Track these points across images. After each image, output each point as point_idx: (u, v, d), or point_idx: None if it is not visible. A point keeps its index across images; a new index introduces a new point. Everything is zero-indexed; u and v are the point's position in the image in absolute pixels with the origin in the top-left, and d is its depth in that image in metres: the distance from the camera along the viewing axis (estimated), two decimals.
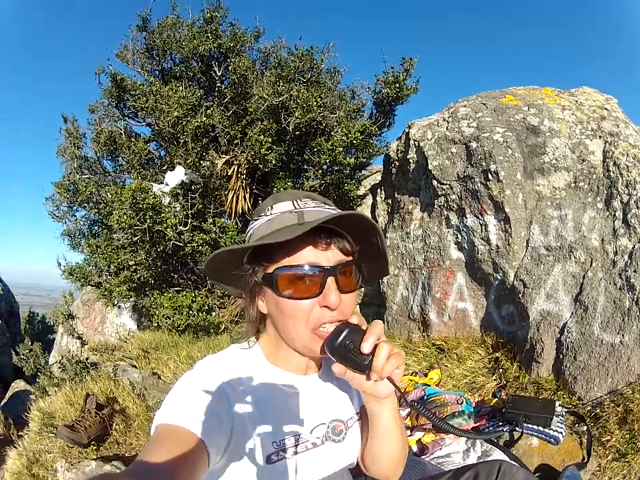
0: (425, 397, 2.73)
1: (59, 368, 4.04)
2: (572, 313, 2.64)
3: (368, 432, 1.25)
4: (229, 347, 1.21)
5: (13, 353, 6.63)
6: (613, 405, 2.35)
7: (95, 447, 2.94)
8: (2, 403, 5.94)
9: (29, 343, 5.97)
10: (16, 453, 3.17)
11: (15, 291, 12.10)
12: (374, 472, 1.31)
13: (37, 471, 2.89)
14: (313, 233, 1.01)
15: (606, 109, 3.16)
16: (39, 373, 4.42)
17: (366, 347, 1.01)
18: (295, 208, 1.09)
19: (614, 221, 2.65)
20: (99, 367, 3.99)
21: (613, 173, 2.73)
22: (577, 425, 2.39)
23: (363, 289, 4.14)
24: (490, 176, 2.97)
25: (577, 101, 3.24)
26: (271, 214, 1.10)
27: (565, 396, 2.56)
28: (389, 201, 3.99)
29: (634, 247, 2.51)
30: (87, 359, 4.23)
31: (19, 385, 6.42)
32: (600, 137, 2.96)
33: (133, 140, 5.14)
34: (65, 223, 5.62)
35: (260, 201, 5.09)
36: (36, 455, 3.02)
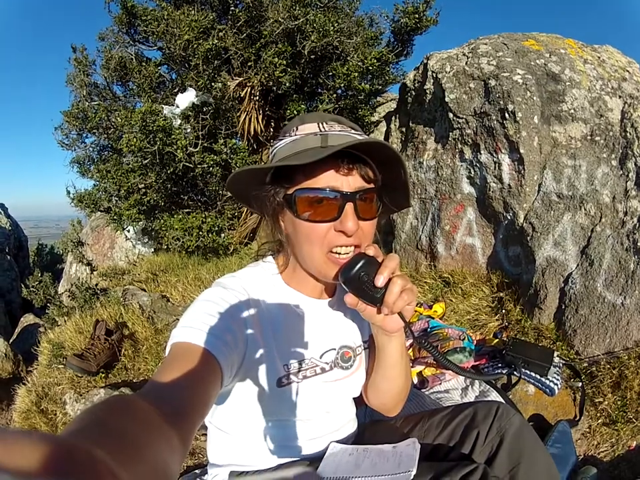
0: (429, 329, 2.78)
1: (69, 297, 4.02)
2: (577, 265, 2.65)
3: (374, 363, 1.27)
4: (245, 266, 1.22)
5: (23, 286, 6.45)
6: (609, 366, 2.38)
7: (103, 375, 2.94)
8: (11, 340, 5.73)
9: (39, 274, 5.90)
10: (25, 389, 3.10)
11: (23, 225, 12.03)
12: (375, 404, 1.35)
13: (46, 406, 2.86)
14: (335, 157, 0.99)
15: (628, 71, 3.09)
16: (48, 304, 4.36)
17: (379, 281, 1.00)
18: (320, 130, 1.06)
19: (626, 181, 2.62)
20: (109, 292, 4.00)
21: (630, 134, 2.68)
22: (572, 379, 2.43)
23: None
24: (507, 115, 2.91)
25: (599, 57, 3.16)
26: (295, 134, 1.07)
27: (563, 347, 2.60)
28: (403, 129, 3.93)
29: None
30: (97, 285, 4.25)
31: (27, 319, 6.29)
32: (620, 96, 2.90)
33: (144, 64, 5.02)
34: (75, 150, 5.57)
35: (272, 123, 5.03)
36: (45, 389, 2.99)
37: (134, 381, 2.94)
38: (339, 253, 1.05)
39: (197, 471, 2.09)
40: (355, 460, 1.15)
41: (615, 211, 2.61)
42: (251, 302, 1.07)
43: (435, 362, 2.48)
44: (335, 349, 1.22)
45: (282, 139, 1.10)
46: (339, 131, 1.07)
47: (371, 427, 1.44)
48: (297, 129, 1.08)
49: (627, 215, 2.55)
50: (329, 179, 1.01)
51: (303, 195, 1.02)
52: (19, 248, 10.57)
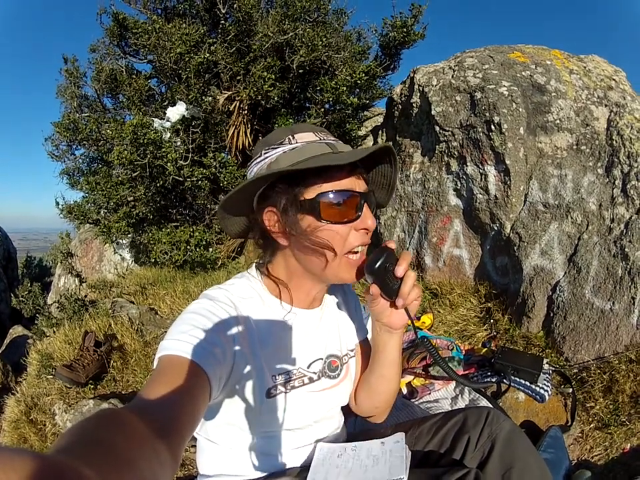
0: (417, 340, 2.77)
1: (57, 308, 3.99)
2: (565, 273, 2.68)
3: (368, 365, 1.30)
4: (231, 279, 1.21)
5: (12, 296, 6.41)
6: (599, 371, 2.40)
7: (92, 386, 2.92)
8: (0, 351, 5.71)
9: (28, 284, 5.84)
10: (14, 400, 3.08)
11: (12, 237, 11.96)
12: (367, 408, 1.36)
13: (35, 416, 2.84)
14: (350, 163, 1.03)
15: (614, 79, 3.15)
16: (37, 315, 4.33)
17: (399, 271, 1.06)
18: (320, 139, 1.08)
19: (613, 189, 2.66)
20: (97, 304, 3.97)
21: (616, 142, 2.74)
22: (562, 385, 2.44)
23: None
24: (493, 127, 2.96)
25: (585, 67, 3.23)
26: (296, 142, 1.07)
27: (552, 354, 2.62)
28: (390, 143, 3.98)
29: (631, 217, 2.53)
30: (86, 296, 4.24)
31: (16, 331, 6.15)
32: (606, 105, 2.96)
33: (134, 77, 5.04)
34: (64, 161, 5.57)
35: (260, 137, 5.02)
36: (34, 399, 2.97)
37: (122, 392, 2.92)
38: (356, 253, 1.08)
39: None
40: (344, 463, 1.14)
41: (602, 218, 2.64)
42: (239, 313, 1.07)
43: (423, 372, 2.49)
44: (322, 359, 1.22)
45: (276, 147, 1.08)
46: (336, 140, 1.10)
47: (361, 435, 1.43)
48: (293, 138, 1.08)
49: (613, 222, 2.59)
50: (347, 182, 1.05)
51: (326, 198, 1.03)
52: (7, 259, 10.47)
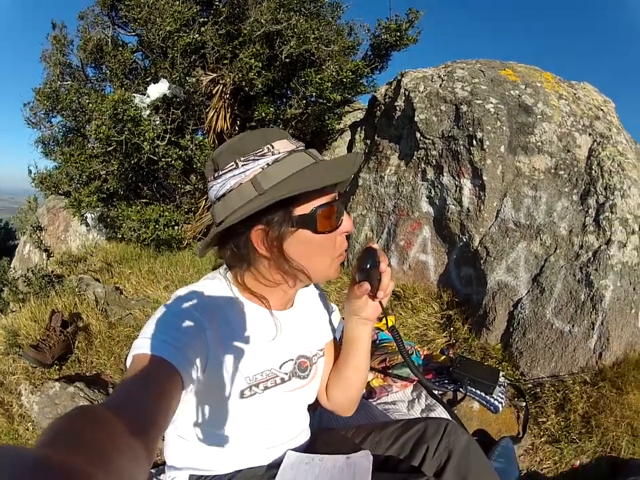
0: (378, 341, 2.80)
1: (24, 282, 3.93)
2: (528, 291, 2.74)
3: (342, 359, 1.36)
4: (203, 279, 1.20)
5: None
6: (553, 389, 2.47)
7: (57, 367, 2.91)
8: None
9: None
10: None
11: None
12: (339, 402, 1.42)
13: (2, 396, 2.79)
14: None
15: (602, 110, 3.20)
16: (3, 288, 4.25)
17: (383, 267, 1.15)
18: (296, 147, 1.09)
19: (585, 217, 2.72)
20: (64, 280, 3.89)
21: (595, 172, 2.78)
22: (516, 398, 2.51)
23: None
24: (475, 142, 3.00)
25: (575, 94, 3.27)
26: (278, 152, 1.05)
27: (508, 367, 2.68)
28: (368, 141, 4.01)
29: (599, 247, 2.59)
30: (52, 272, 4.17)
31: None
32: (590, 134, 3.00)
33: (120, 49, 4.91)
34: (40, 129, 5.41)
35: (238, 122, 5.00)
36: (0, 377, 2.91)
37: (87, 374, 2.91)
38: (342, 253, 1.16)
39: (152, 470, 2.06)
40: (311, 469, 1.18)
41: (571, 243, 2.70)
42: (212, 314, 1.07)
43: (381, 372, 2.54)
44: (292, 359, 1.24)
45: (257, 159, 1.04)
46: (303, 146, 1.13)
47: (323, 435, 1.47)
48: (272, 147, 1.05)
49: (582, 249, 2.65)
50: (329, 190, 1.08)
51: (322, 210, 1.06)
52: None
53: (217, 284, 1.16)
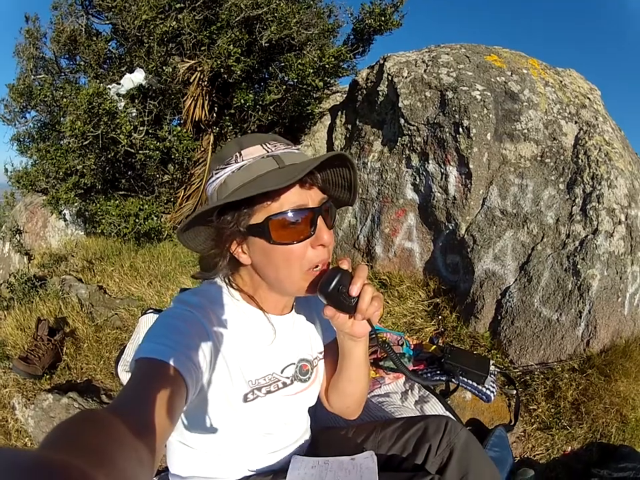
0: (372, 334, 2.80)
1: (7, 288, 3.85)
2: (516, 280, 2.75)
3: (334, 369, 1.34)
4: (202, 285, 1.22)
5: None
6: (542, 376, 2.51)
7: (47, 376, 2.87)
8: None
9: None
10: None
11: None
12: (339, 407, 1.42)
13: None
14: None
15: (588, 97, 3.19)
16: None
17: (354, 290, 1.06)
18: (268, 152, 1.05)
19: (572, 206, 2.73)
20: (46, 283, 3.84)
21: (582, 161, 2.78)
22: (507, 386, 2.54)
23: None
24: (461, 130, 2.97)
25: (561, 81, 3.25)
26: (242, 160, 1.05)
27: (498, 355, 2.71)
28: (349, 126, 3.95)
29: (586, 236, 2.61)
30: (34, 275, 4.10)
31: None
32: (576, 122, 2.99)
33: (94, 39, 4.78)
34: (15, 125, 5.30)
35: (216, 109, 4.91)
36: None
37: (78, 382, 2.87)
38: (317, 266, 1.09)
39: (154, 478, 2.04)
40: (318, 473, 1.19)
41: (558, 232, 2.71)
42: (214, 319, 1.08)
43: (373, 365, 2.53)
44: (294, 363, 1.26)
45: (224, 167, 1.07)
46: (284, 149, 1.08)
47: (323, 435, 1.50)
48: (240, 155, 1.06)
49: (569, 238, 2.66)
50: (297, 198, 1.03)
51: (275, 219, 1.02)
52: None
53: (216, 289, 1.18)
